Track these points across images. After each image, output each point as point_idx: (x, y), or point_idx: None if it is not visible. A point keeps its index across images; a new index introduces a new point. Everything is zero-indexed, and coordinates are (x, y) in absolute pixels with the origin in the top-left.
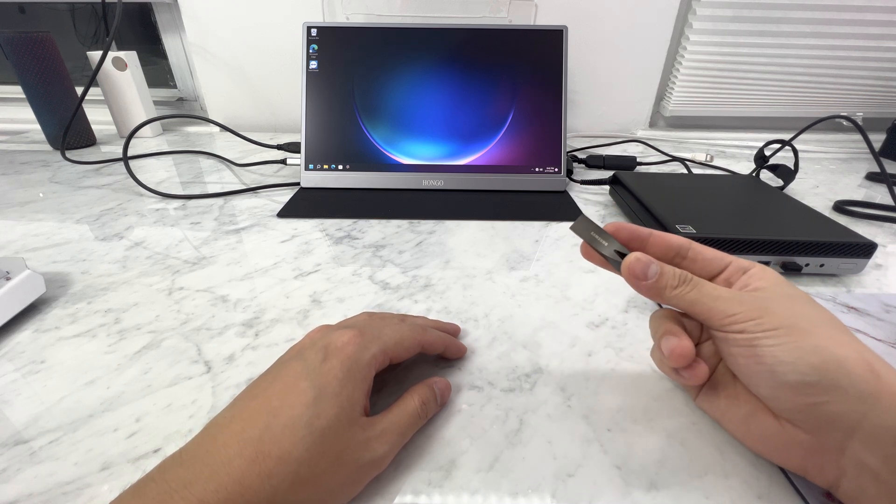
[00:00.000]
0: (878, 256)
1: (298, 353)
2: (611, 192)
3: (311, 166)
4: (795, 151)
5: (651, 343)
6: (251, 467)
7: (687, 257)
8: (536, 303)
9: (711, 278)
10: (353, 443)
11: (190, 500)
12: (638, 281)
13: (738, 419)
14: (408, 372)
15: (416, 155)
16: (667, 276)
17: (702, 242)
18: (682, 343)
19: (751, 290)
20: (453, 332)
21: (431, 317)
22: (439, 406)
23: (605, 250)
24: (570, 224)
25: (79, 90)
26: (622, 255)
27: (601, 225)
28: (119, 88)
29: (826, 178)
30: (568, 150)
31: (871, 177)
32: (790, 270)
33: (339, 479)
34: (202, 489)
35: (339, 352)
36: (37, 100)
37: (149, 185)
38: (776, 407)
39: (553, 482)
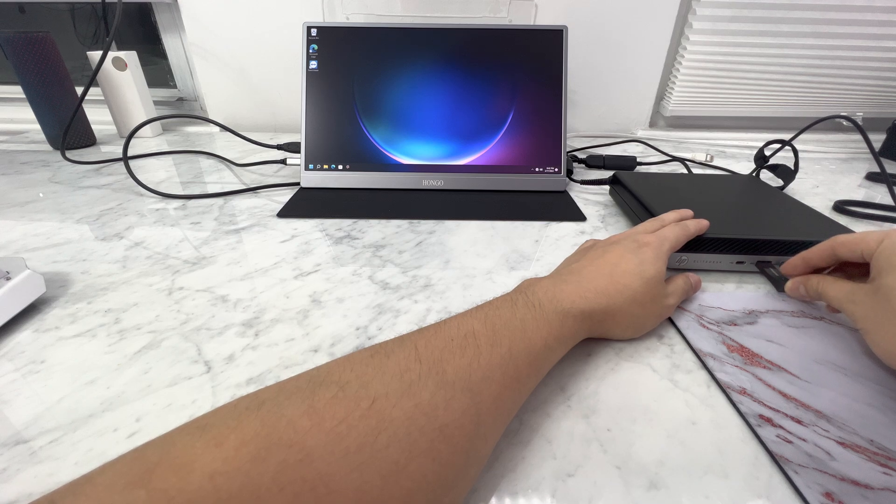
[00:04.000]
0: None
1: (613, 244)
2: (611, 192)
3: (311, 166)
4: (795, 151)
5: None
6: (608, 286)
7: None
8: None
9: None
10: (662, 291)
11: (578, 290)
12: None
13: None
14: None
15: (416, 155)
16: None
17: (702, 243)
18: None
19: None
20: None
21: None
22: (693, 293)
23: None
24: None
25: (79, 90)
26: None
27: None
28: (119, 88)
29: (826, 178)
30: (568, 150)
31: (871, 177)
32: None
33: (654, 310)
34: (585, 288)
35: (647, 244)
36: (37, 100)
37: (149, 185)
38: None
39: (553, 482)
